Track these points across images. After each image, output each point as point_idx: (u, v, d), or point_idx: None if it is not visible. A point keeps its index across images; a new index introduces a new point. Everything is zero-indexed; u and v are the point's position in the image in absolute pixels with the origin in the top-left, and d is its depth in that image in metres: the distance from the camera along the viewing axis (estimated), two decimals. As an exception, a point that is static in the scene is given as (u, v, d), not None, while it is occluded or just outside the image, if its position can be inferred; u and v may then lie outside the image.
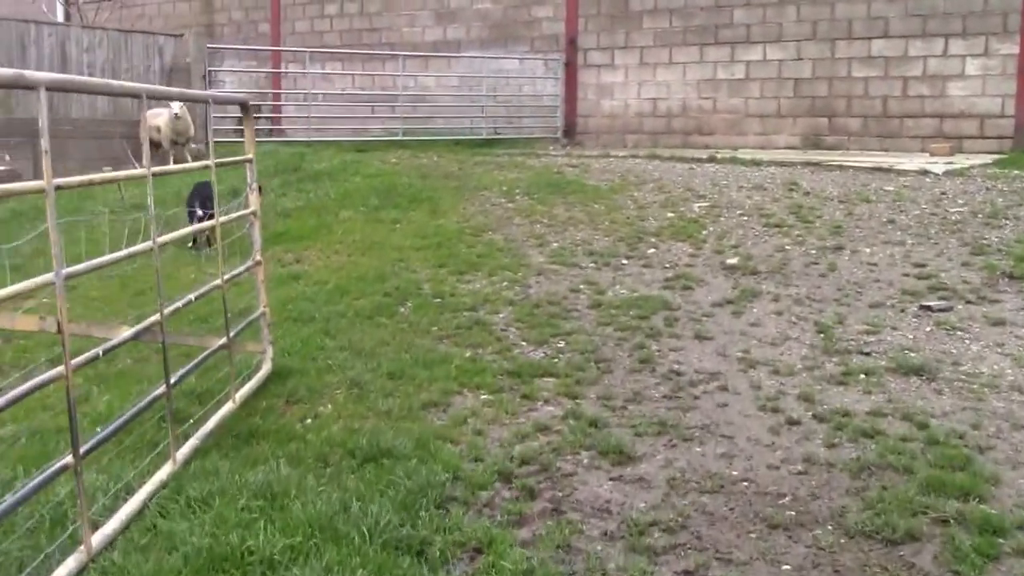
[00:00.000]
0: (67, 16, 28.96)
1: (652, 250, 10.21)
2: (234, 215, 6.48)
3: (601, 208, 12.06)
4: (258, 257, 6.46)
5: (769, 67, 19.03)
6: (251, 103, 6.39)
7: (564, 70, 21.05)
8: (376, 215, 11.88)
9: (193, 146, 16.87)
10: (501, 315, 8.07)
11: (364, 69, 23.66)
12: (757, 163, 15.16)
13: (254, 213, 6.47)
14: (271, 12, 25.67)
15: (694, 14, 19.67)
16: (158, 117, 16.09)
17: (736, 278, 9.09)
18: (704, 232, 10.83)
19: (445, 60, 22.68)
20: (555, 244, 10.54)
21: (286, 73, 24.91)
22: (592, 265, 9.72)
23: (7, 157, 14.90)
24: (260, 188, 6.81)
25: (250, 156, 6.42)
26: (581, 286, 8.95)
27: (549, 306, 8.30)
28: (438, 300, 8.48)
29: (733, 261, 9.59)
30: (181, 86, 17.40)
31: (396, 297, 8.57)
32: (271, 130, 22.68)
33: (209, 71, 17.54)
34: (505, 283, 9.05)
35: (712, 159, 15.86)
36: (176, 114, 15.87)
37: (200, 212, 10.15)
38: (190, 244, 11.25)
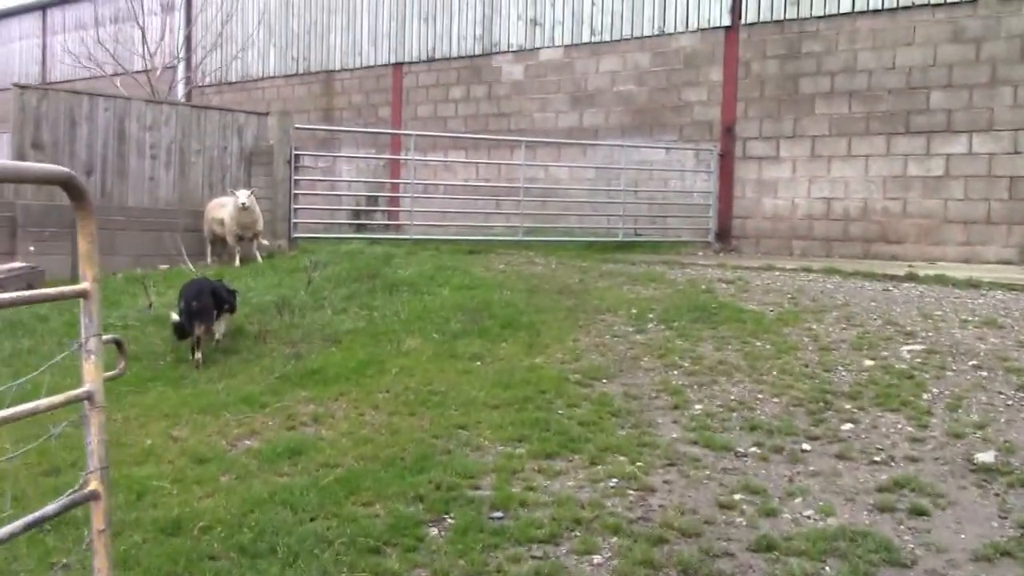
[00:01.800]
0: (188, 97, 27.37)
1: (848, 425, 6.66)
2: (62, 397, 3.25)
3: (767, 348, 8.56)
4: (94, 486, 3.23)
5: (976, 162, 15.25)
6: (75, 183, 3.22)
7: (719, 162, 17.69)
8: (452, 347, 8.66)
9: (264, 242, 14.14)
10: (595, 560, 4.65)
11: (490, 158, 20.86)
12: (975, 285, 11.40)
13: (89, 397, 3.26)
14: (392, 95, 23.24)
15: (880, 98, 16.09)
16: (222, 208, 13.47)
17: (1000, 493, 5.46)
18: (925, 396, 7.20)
19: (580, 148, 19.66)
20: (698, 407, 7.09)
21: (406, 161, 22.36)
22: (755, 450, 6.23)
23: (31, 248, 12.39)
24: (120, 344, 3.68)
25: (85, 286, 3.25)
26: (736, 496, 5.47)
27: (681, 541, 4.85)
28: (496, 517, 5.11)
29: (986, 458, 5.94)
30: (262, 171, 14.76)
31: (431, 506, 5.25)
32: (387, 225, 19.99)
33: (296, 154, 14.88)
34: (613, 482, 5.65)
35: (911, 277, 12.14)
36: (243, 204, 13.22)
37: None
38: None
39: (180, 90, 28.17)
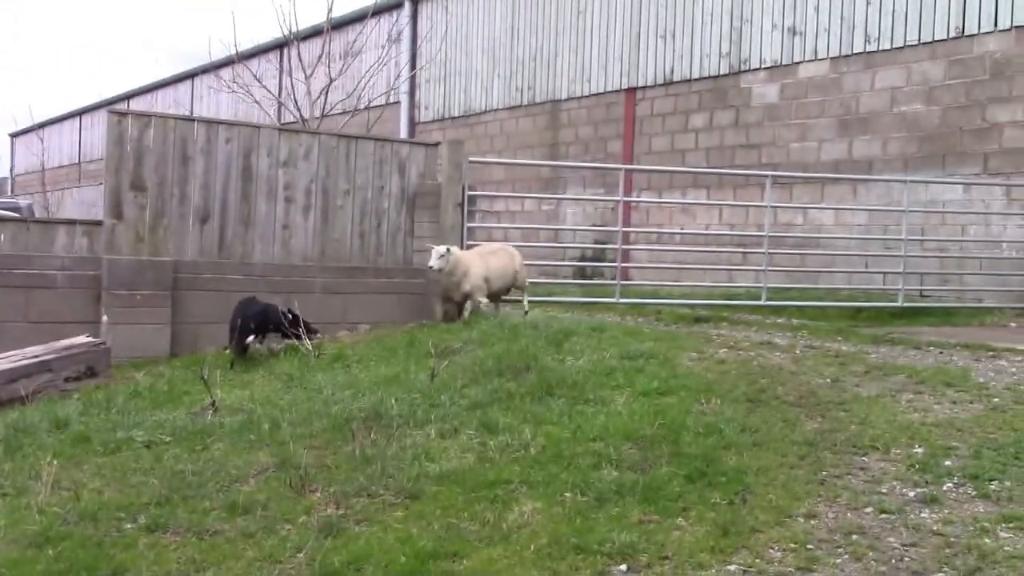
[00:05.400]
0: (411, 134, 25.07)
1: None
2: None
3: None
4: None
5: None
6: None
7: (1039, 202, 13.16)
8: (588, 526, 5.01)
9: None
10: None
11: (735, 199, 17.06)
12: None
13: None
14: (624, 126, 19.83)
15: None
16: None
17: None
18: None
19: (849, 186, 15.54)
20: None
21: (636, 205, 18.94)
22: None
23: (104, 318, 9.73)
24: None
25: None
26: None
27: None
28: None
29: None
30: (428, 215, 11.72)
31: None
32: (604, 284, 16.58)
33: (470, 196, 11.70)
34: None
35: None
36: (431, 266, 10.34)
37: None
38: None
39: (403, 127, 26.00)
